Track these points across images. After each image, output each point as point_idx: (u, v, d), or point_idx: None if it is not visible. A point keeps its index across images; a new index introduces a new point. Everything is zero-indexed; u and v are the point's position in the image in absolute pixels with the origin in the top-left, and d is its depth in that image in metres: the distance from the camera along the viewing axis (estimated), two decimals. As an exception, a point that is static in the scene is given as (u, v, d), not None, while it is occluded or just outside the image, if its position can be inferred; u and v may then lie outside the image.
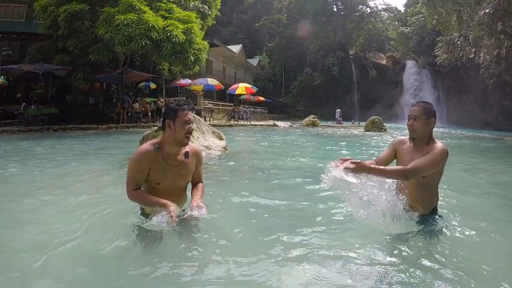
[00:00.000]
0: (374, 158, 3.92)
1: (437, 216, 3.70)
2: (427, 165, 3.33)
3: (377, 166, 3.26)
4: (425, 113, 3.47)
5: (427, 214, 3.59)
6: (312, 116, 30.65)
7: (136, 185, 3.31)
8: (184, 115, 3.30)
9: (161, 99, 26.03)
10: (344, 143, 15.01)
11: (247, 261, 2.78)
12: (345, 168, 3.07)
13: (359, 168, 3.09)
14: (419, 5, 41.94)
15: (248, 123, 28.19)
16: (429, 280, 2.57)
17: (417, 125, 3.46)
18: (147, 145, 3.39)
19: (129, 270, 2.66)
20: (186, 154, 3.46)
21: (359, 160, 3.12)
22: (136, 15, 19.50)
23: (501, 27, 21.46)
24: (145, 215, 3.44)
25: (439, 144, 3.49)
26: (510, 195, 5.65)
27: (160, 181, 3.35)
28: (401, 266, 2.77)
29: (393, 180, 3.66)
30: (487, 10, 21.67)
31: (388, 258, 2.90)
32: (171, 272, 2.62)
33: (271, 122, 30.87)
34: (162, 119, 3.44)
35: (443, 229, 3.54)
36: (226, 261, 2.76)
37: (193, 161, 3.56)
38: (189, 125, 3.32)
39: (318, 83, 59.79)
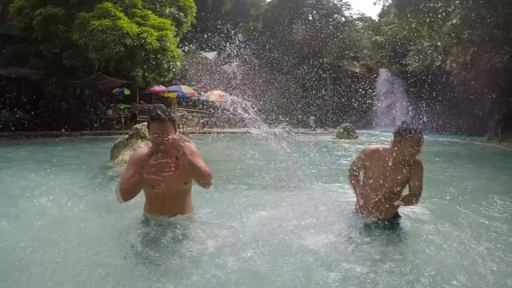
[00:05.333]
0: (347, 167, 4.11)
1: (400, 218, 3.94)
2: (422, 186, 3.70)
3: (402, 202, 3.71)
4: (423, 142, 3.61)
5: (392, 217, 3.77)
6: (285, 123, 31.00)
7: None
8: (152, 127, 3.27)
9: (136, 105, 25.96)
10: (315, 150, 15.24)
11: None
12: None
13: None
14: (392, 15, 42.71)
15: (222, 130, 28.30)
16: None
17: (417, 154, 3.60)
18: (143, 148, 3.43)
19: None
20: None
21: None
22: (111, 21, 19.39)
23: (468, 36, 22.13)
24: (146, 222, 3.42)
25: (416, 160, 3.69)
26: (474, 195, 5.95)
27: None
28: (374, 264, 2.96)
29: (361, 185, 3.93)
30: (454, 21, 22.34)
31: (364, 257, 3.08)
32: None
33: (244, 130, 30.99)
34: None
35: (407, 229, 3.79)
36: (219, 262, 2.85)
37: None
38: (158, 136, 3.22)
39: (292, 90, 60.08)
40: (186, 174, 3.41)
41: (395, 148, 3.63)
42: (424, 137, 3.58)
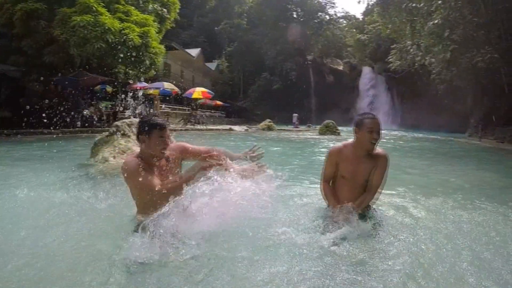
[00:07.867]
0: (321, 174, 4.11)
1: (373, 209, 3.98)
2: (384, 178, 3.73)
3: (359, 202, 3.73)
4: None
5: (365, 209, 3.85)
6: (268, 120, 31.10)
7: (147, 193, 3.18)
8: (160, 133, 3.19)
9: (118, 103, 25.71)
10: (292, 146, 15.35)
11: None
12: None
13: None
14: (376, 14, 42.99)
15: (205, 127, 28.28)
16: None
17: (376, 139, 3.63)
18: (131, 157, 3.33)
19: None
20: (167, 159, 3.37)
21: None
22: (93, 17, 19.19)
23: (448, 34, 22.42)
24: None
25: (382, 152, 3.78)
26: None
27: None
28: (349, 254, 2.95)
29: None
30: (436, 21, 22.60)
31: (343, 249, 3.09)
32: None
33: (227, 127, 30.97)
34: (136, 132, 3.32)
35: (381, 219, 3.84)
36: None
37: (178, 158, 3.48)
38: (165, 141, 3.21)
39: (276, 88, 60.35)
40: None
41: (356, 139, 3.76)
42: (380, 121, 3.71)
